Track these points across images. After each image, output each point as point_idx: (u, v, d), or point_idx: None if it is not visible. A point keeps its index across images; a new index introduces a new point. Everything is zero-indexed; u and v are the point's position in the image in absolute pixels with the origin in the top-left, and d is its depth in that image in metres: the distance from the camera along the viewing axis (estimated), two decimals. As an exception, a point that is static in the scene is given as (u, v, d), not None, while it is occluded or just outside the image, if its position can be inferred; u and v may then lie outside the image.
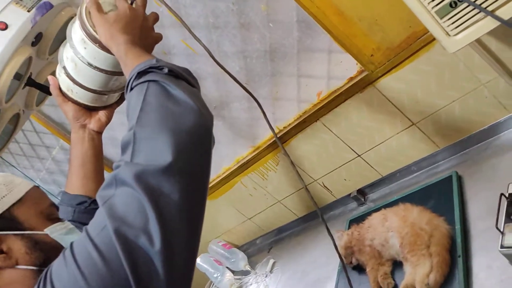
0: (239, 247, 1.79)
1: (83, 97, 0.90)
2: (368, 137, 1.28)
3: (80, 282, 0.47)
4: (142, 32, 0.77)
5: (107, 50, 0.79)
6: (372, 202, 1.38)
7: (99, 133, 0.93)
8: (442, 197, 1.11)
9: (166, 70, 0.61)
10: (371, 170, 1.35)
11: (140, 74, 0.62)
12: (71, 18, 0.97)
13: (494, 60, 1.00)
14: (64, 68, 0.88)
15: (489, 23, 0.73)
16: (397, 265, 1.08)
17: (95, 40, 0.79)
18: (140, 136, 0.54)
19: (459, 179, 1.12)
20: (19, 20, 0.94)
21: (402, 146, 1.26)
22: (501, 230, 0.79)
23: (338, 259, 0.99)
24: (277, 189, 1.54)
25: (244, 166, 1.50)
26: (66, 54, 0.87)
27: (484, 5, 0.71)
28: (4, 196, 0.60)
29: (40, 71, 1.06)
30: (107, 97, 0.92)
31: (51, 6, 0.98)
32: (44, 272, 0.52)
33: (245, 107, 1.35)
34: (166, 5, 0.91)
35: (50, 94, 0.96)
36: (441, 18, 0.76)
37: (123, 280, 0.47)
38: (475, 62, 1.03)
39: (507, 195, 0.83)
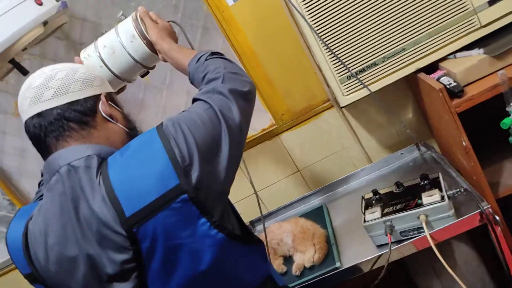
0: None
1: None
2: (266, 177, 1.75)
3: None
4: (175, 38, 1.18)
5: (150, 47, 1.14)
6: (257, 233, 1.77)
7: None
8: (317, 217, 1.60)
9: (221, 54, 1.03)
10: (262, 206, 1.79)
11: (207, 55, 1.01)
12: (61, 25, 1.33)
13: (353, 132, 1.66)
14: (99, 53, 1.17)
15: (365, 91, 1.36)
16: (287, 259, 1.48)
17: (144, 37, 1.14)
18: (227, 74, 0.92)
19: (327, 207, 1.65)
20: (51, 3, 1.26)
21: (288, 187, 1.77)
22: (363, 212, 1.31)
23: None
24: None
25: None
26: (103, 43, 1.17)
27: (364, 81, 1.34)
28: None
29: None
30: (119, 83, 1.22)
31: (66, 5, 1.33)
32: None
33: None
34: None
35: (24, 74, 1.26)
36: (341, 84, 1.36)
37: None
38: (342, 131, 1.67)
39: (365, 197, 1.38)
